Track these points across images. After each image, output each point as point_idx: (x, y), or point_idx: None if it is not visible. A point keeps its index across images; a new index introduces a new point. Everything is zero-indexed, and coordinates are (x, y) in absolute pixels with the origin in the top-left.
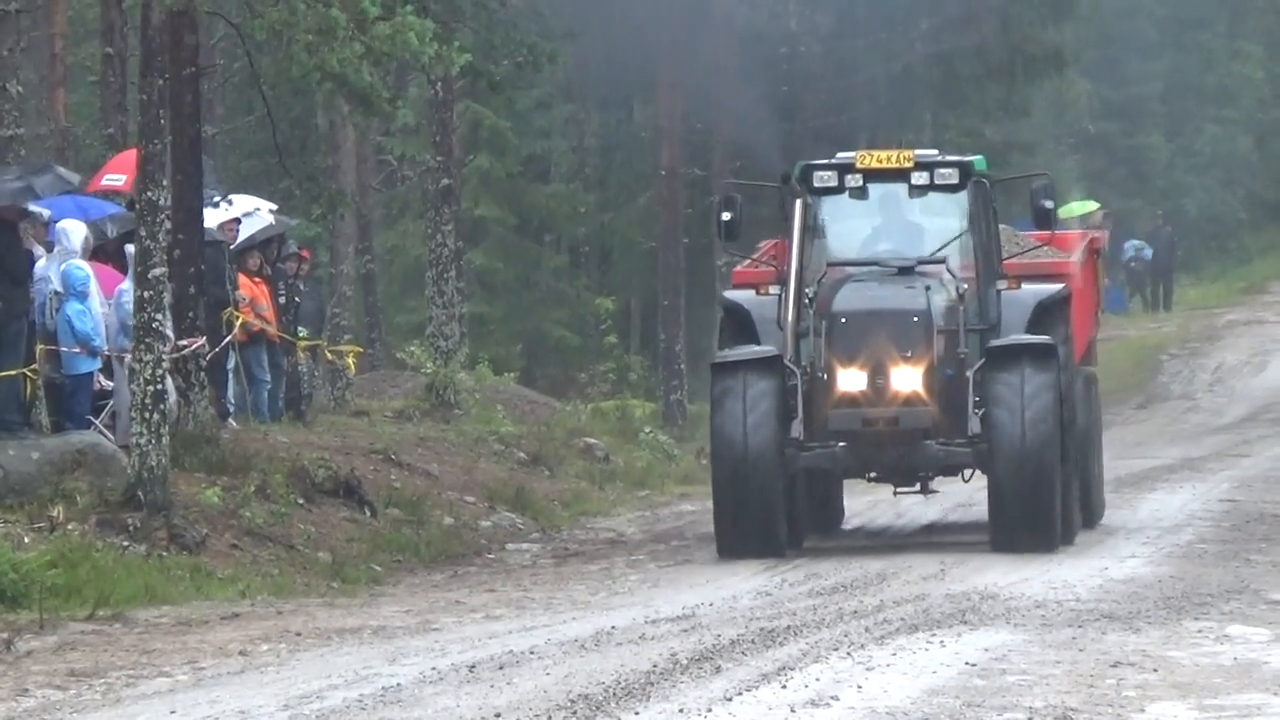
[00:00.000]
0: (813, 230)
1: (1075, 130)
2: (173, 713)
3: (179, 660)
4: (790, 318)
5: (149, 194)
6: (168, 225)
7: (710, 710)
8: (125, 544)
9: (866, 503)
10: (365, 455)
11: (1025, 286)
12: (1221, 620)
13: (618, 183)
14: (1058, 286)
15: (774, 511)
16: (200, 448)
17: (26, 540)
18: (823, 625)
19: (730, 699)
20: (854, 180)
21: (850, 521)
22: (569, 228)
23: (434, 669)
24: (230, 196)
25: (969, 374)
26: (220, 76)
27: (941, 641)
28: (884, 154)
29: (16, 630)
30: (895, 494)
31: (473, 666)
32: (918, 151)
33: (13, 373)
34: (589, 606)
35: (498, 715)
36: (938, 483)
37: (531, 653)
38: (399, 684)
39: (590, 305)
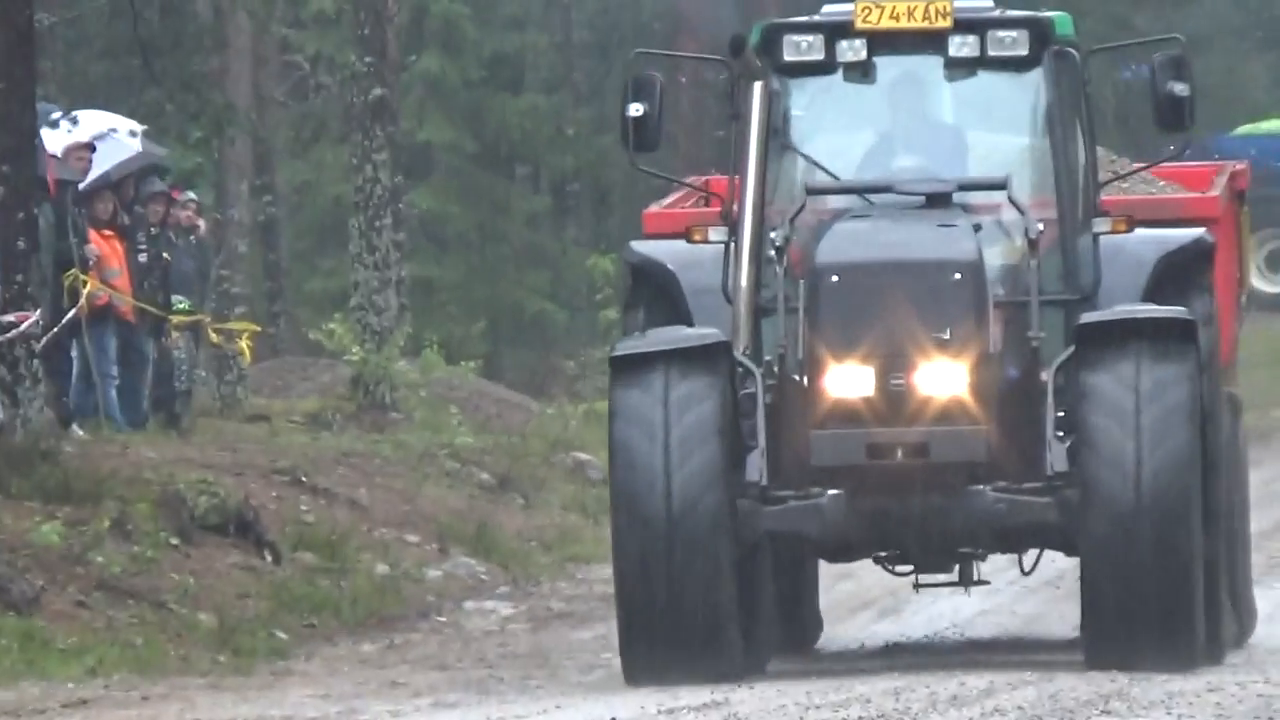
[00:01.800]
0: (783, 135)
1: (1266, 20)
2: None
3: None
4: (744, 281)
5: None
6: None
7: None
8: None
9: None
10: (265, 477)
11: (1141, 232)
12: None
13: (618, 93)
14: (1196, 232)
15: (720, 607)
16: (34, 466)
17: None
18: (913, 709)
19: None
20: (852, 50)
21: (834, 640)
22: (551, 157)
23: None
24: (75, 114)
25: (1046, 374)
26: None
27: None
28: (904, 5)
29: None
30: (917, 588)
31: None
32: (960, 1)
33: None
34: (579, 690)
35: None
36: (992, 570)
37: None
38: None
39: (581, 265)
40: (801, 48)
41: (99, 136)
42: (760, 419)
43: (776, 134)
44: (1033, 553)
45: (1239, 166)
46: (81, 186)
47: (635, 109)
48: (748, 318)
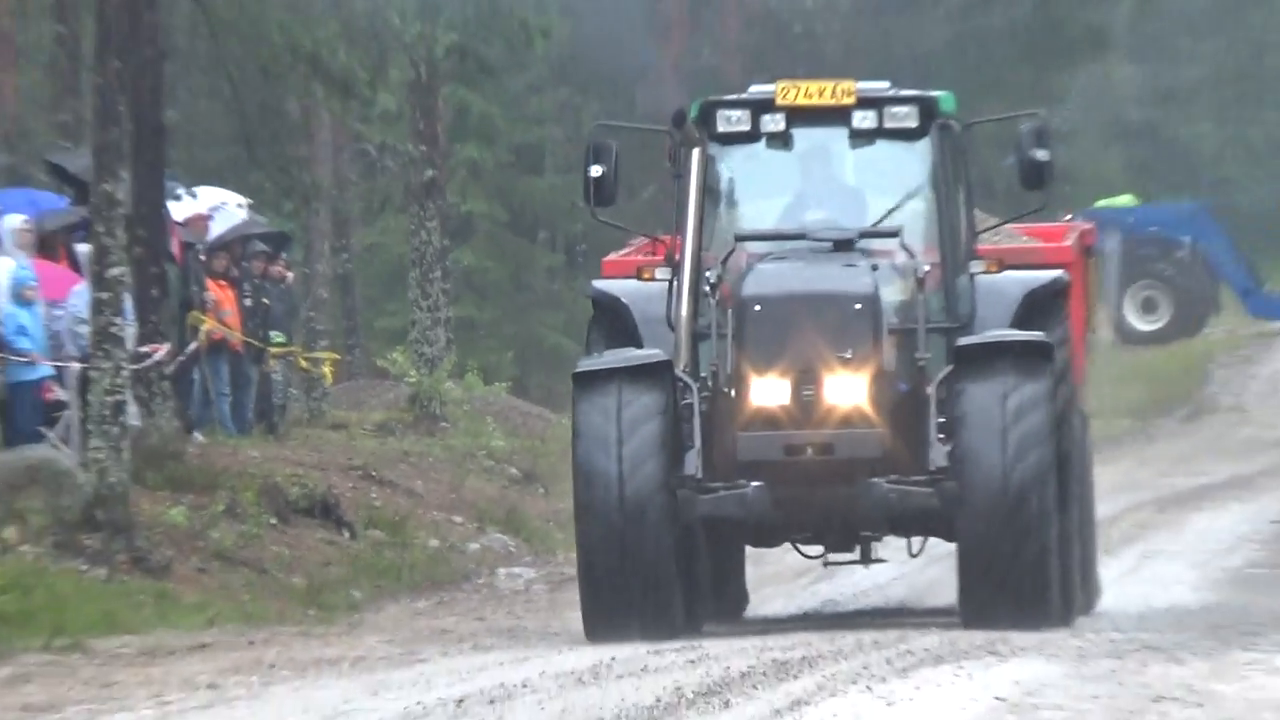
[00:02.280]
0: (716, 192)
1: (1117, 118)
2: None
3: (142, 694)
4: (684, 312)
5: (106, 186)
6: (126, 221)
7: None
8: (83, 568)
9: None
10: (343, 472)
11: (1008, 273)
12: (1272, 651)
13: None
14: (1055, 273)
15: (663, 579)
16: (164, 463)
17: None
18: (840, 656)
19: None
20: (773, 122)
21: (758, 607)
22: (565, 224)
23: (419, 704)
24: (195, 189)
25: (930, 388)
26: (183, 59)
27: (969, 674)
28: (815, 86)
29: None
30: (826, 564)
31: (460, 701)
32: (861, 83)
33: None
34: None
35: None
36: (889, 551)
37: (524, 686)
38: None
39: (588, 308)
40: (732, 120)
41: (214, 208)
42: (696, 423)
43: (711, 191)
44: (916, 541)
45: (1087, 226)
46: (202, 247)
47: (595, 170)
48: (687, 341)
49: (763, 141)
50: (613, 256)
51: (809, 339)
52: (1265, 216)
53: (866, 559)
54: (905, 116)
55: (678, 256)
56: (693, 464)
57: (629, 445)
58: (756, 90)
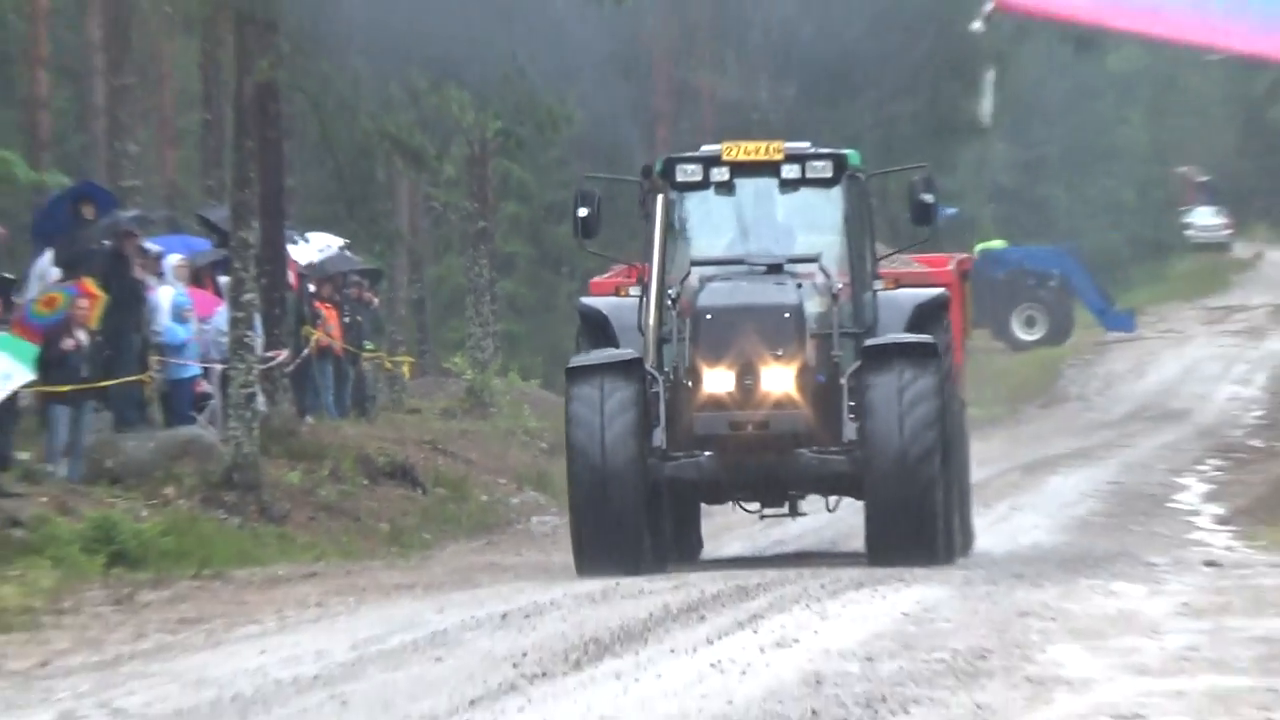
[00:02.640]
0: (676, 228)
1: (992, 183)
2: (262, 652)
3: (267, 610)
4: (651, 321)
5: (241, 234)
6: (256, 259)
7: (695, 651)
8: (223, 517)
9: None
10: (417, 445)
11: (903, 290)
12: (1108, 579)
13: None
14: (938, 290)
15: (635, 527)
16: (284, 439)
17: (144, 514)
18: (786, 583)
19: (712, 642)
20: (720, 174)
21: (712, 552)
22: (581, 261)
23: (473, 617)
24: (307, 235)
25: (843, 380)
26: (299, 138)
27: (883, 596)
28: (752, 145)
29: (137, 586)
30: (761, 517)
31: (504, 615)
32: (788, 144)
33: (131, 378)
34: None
35: (524, 654)
36: (810, 505)
37: (552, 604)
38: (445, 629)
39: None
40: (688, 172)
41: (323, 249)
42: (661, 407)
43: (672, 227)
44: (833, 500)
45: (965, 257)
46: (308, 276)
47: (582, 211)
48: (654, 344)
49: (712, 189)
50: (597, 279)
51: (749, 340)
52: (1106, 254)
53: (794, 513)
54: (822, 169)
55: (646, 279)
56: (659, 438)
57: (608, 427)
58: (707, 149)
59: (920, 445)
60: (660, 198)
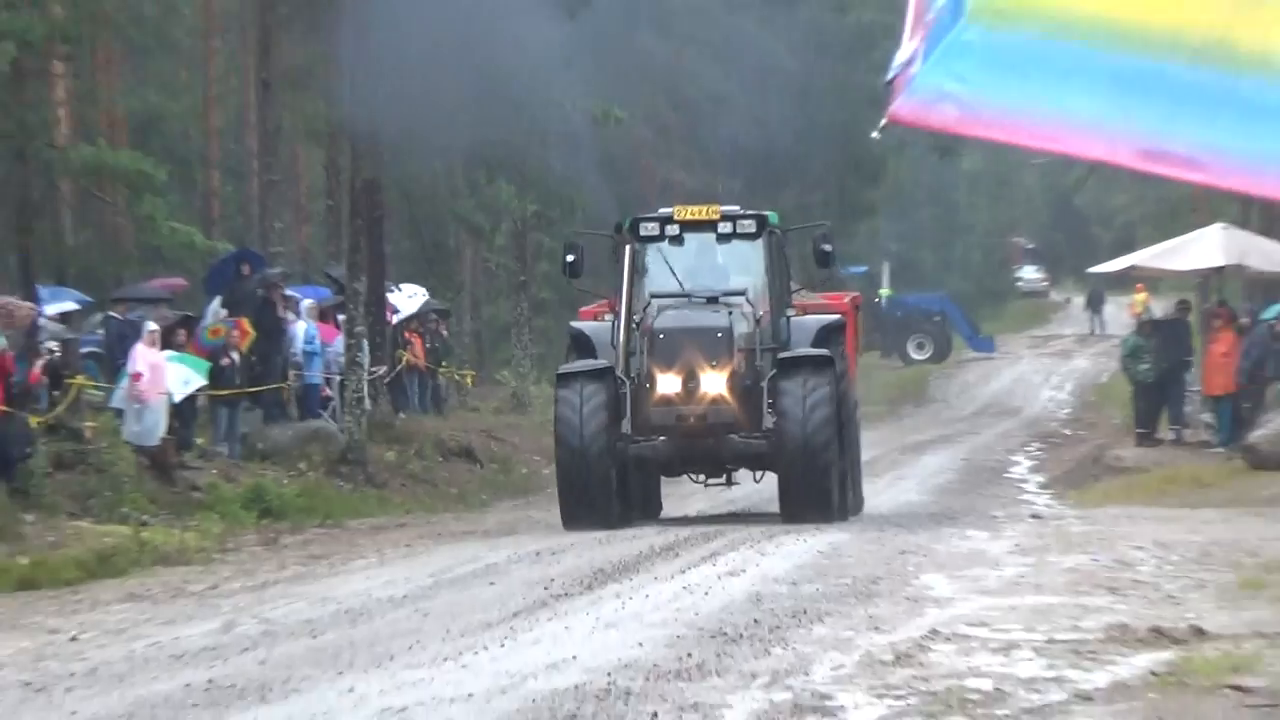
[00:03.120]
0: (639, 270)
1: (882, 248)
2: (367, 579)
3: (370, 550)
4: (621, 339)
5: (354, 285)
6: (364, 303)
7: (672, 578)
8: (340, 484)
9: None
10: (477, 433)
11: (809, 316)
12: (962, 528)
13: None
14: (836, 316)
15: (607, 493)
16: (383, 429)
17: (285, 482)
18: (736, 530)
19: (684, 571)
20: (672, 229)
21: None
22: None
23: (515, 554)
24: (400, 285)
25: (764, 383)
26: (394, 217)
27: (805, 539)
28: (696, 209)
29: (279, 533)
30: (705, 485)
31: (537, 553)
32: (723, 207)
33: (275, 385)
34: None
35: (551, 580)
36: (741, 478)
37: (570, 546)
38: (496, 563)
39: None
40: (649, 228)
41: (411, 294)
42: (627, 404)
43: (637, 270)
44: (759, 474)
45: (857, 295)
46: (400, 317)
47: (569, 257)
48: (623, 356)
49: (666, 240)
50: (584, 308)
51: (692, 353)
52: (961, 299)
53: (729, 482)
54: (748, 226)
55: (617, 308)
56: (625, 426)
57: (586, 420)
58: (663, 211)
59: (819, 434)
60: (627, 247)
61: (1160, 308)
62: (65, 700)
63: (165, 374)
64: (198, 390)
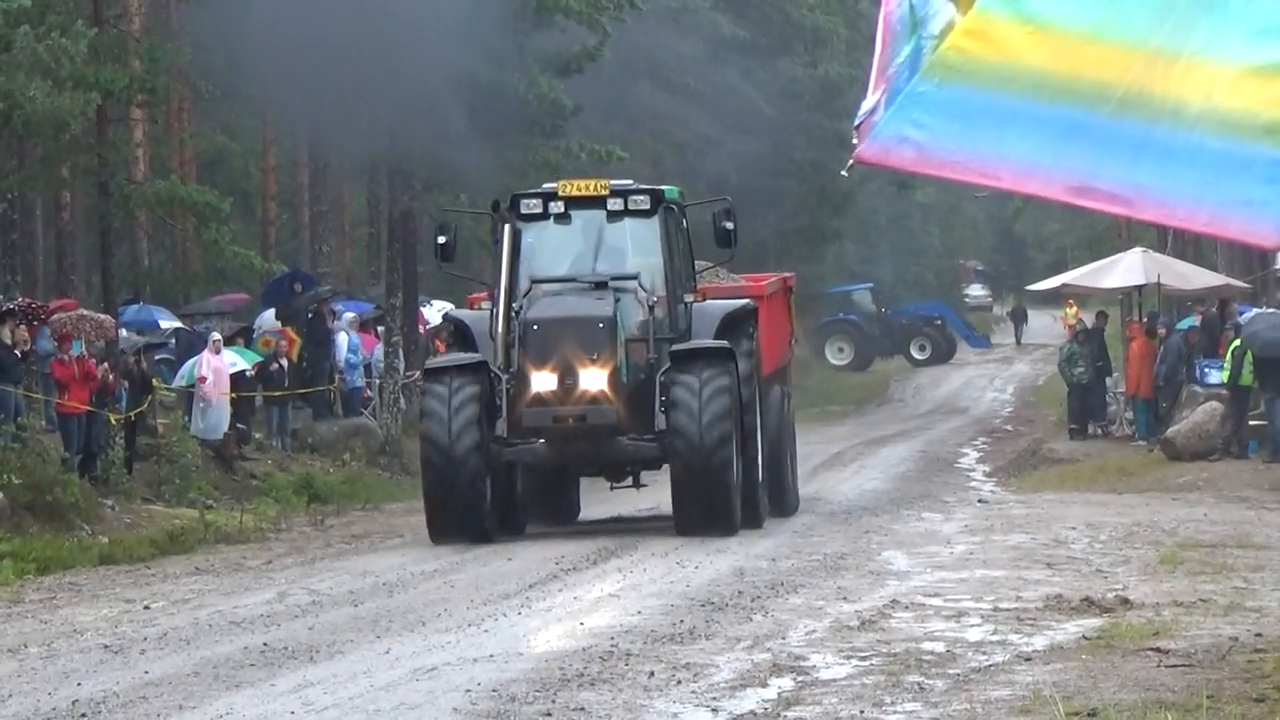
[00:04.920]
0: (521, 253)
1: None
2: (403, 555)
3: (406, 530)
4: (500, 329)
5: (391, 301)
6: (400, 316)
7: (666, 555)
8: (379, 473)
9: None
10: None
11: (714, 301)
12: (919, 510)
13: None
14: (743, 301)
15: (479, 504)
16: (416, 426)
17: (331, 471)
18: (633, 533)
19: (677, 549)
20: (557, 207)
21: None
22: None
23: (531, 533)
24: (432, 301)
25: (659, 377)
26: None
27: (782, 521)
28: (584, 183)
29: (326, 515)
30: (612, 488)
31: (549, 532)
32: (614, 182)
33: (322, 388)
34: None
35: (563, 556)
36: (652, 478)
37: (578, 527)
38: (514, 541)
39: None
40: (530, 206)
41: (441, 309)
42: (504, 402)
43: (518, 252)
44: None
45: (789, 275)
46: (431, 328)
47: (441, 239)
48: (503, 349)
49: (551, 219)
50: (473, 295)
51: (568, 346)
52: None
53: (637, 484)
54: (641, 202)
55: (496, 295)
56: (501, 427)
57: (456, 419)
58: (547, 186)
59: (715, 435)
60: (507, 227)
61: (1089, 320)
62: (139, 661)
63: (227, 377)
64: (256, 394)
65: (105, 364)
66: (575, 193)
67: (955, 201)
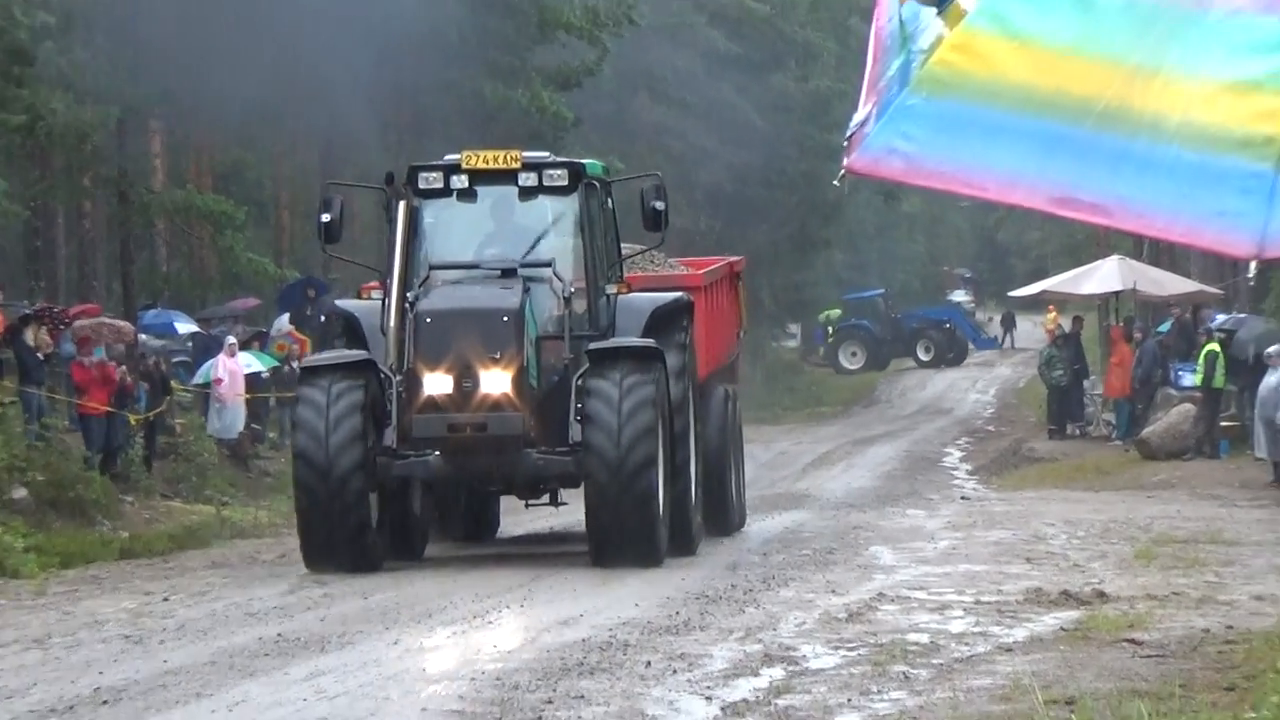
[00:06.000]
0: (418, 234)
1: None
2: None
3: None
4: (392, 323)
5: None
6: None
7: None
8: None
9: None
10: None
11: (642, 294)
12: (904, 507)
13: None
14: (676, 294)
15: (360, 523)
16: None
17: None
18: (554, 551)
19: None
20: (460, 182)
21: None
22: None
23: (532, 528)
24: None
25: (575, 380)
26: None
27: (773, 517)
28: (491, 154)
29: None
30: (527, 506)
31: (551, 528)
32: (526, 153)
33: None
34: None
35: (564, 551)
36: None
37: (554, 535)
38: (516, 535)
39: None
40: (429, 180)
41: None
42: (394, 407)
43: (417, 233)
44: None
45: (737, 259)
46: None
47: (325, 216)
48: (395, 345)
49: (454, 196)
50: (367, 285)
51: (468, 343)
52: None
53: (555, 502)
54: (559, 177)
55: (388, 283)
56: (390, 437)
57: (333, 432)
58: (449, 158)
59: (637, 456)
60: (402, 205)
61: (1068, 325)
62: (159, 650)
63: (242, 379)
64: (270, 395)
65: (123, 368)
66: (481, 165)
67: (940, 211)
